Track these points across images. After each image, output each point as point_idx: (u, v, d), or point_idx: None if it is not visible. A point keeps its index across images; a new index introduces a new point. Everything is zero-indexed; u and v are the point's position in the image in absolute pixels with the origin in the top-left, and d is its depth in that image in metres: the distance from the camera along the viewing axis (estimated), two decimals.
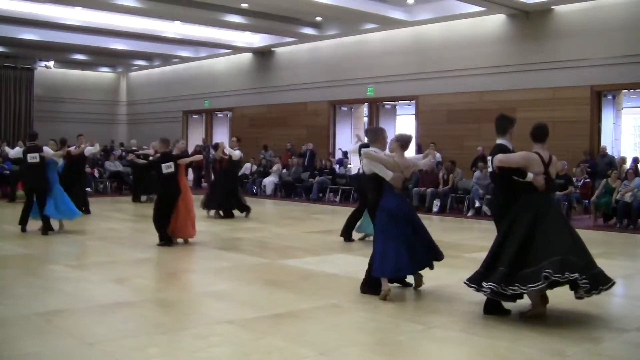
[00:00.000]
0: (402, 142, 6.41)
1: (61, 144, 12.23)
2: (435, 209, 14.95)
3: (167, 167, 9.21)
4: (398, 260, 6.11)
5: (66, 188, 11.25)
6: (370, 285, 6.29)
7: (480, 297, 6.38)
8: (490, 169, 6.02)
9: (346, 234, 10.13)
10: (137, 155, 14.24)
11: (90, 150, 12.95)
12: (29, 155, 10.24)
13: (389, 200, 6.23)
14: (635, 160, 14.86)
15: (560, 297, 6.64)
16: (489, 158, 6.00)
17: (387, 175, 6.18)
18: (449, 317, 5.63)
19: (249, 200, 14.39)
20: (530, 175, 5.60)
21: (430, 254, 6.43)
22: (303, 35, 19.94)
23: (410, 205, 6.32)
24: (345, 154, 19.27)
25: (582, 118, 14.79)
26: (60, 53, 25.03)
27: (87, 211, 12.95)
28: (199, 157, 11.26)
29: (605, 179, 13.04)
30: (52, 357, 4.48)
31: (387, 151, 6.64)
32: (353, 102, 20.51)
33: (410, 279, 6.69)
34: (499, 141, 6.01)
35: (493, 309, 5.66)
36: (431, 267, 6.50)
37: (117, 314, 5.60)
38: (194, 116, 26.58)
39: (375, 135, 6.72)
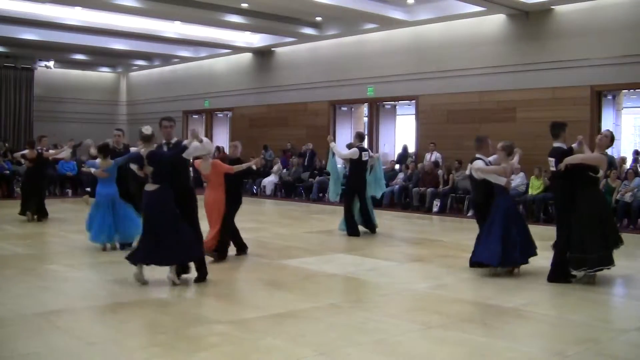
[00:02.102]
0: (508, 150, 7.54)
1: (29, 146, 11.69)
2: (435, 209, 14.95)
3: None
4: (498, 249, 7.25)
5: (28, 192, 11.28)
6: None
7: (480, 298, 6.39)
8: (553, 168, 7.17)
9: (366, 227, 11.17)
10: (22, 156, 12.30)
11: (63, 154, 12.70)
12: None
13: (503, 200, 7.43)
14: (635, 153, 14.87)
15: (560, 297, 6.65)
16: (551, 159, 7.19)
17: (502, 181, 7.41)
18: (449, 317, 5.63)
19: (249, 201, 14.37)
20: (600, 172, 7.09)
21: (524, 253, 7.38)
22: (303, 35, 19.93)
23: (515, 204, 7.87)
24: None
25: (582, 118, 14.77)
26: (60, 53, 25.02)
27: (41, 218, 11.99)
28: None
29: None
30: (52, 357, 4.48)
31: (491, 158, 7.85)
32: (353, 102, 20.50)
33: None
34: (556, 144, 7.19)
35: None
36: (521, 264, 7.46)
37: (117, 314, 5.60)
38: (194, 116, 26.57)
39: (480, 143, 7.84)
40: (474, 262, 7.73)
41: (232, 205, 8.40)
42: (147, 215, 6.67)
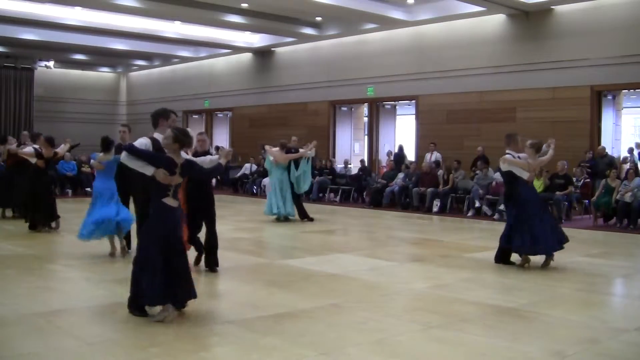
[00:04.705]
0: (535, 147, 8.13)
1: (48, 143, 10.70)
2: (435, 209, 14.94)
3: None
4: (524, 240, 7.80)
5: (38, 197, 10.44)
6: (501, 258, 8.13)
7: (480, 298, 6.39)
8: None
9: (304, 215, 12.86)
10: None
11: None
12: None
13: (524, 191, 7.97)
14: (630, 150, 14.97)
15: (560, 296, 6.65)
16: None
17: (524, 175, 7.94)
18: (449, 317, 5.63)
19: (249, 201, 14.36)
20: None
21: (555, 237, 7.89)
22: (303, 35, 19.94)
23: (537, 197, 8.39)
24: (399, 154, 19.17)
25: (582, 118, 14.79)
26: (60, 53, 25.04)
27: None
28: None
29: (605, 179, 13.05)
30: (52, 357, 4.48)
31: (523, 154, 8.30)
32: (353, 102, 20.51)
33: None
34: None
35: None
36: (555, 250, 7.92)
37: (117, 314, 5.60)
38: (194, 116, 26.58)
39: (509, 139, 8.29)
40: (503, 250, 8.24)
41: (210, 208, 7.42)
42: (173, 239, 5.37)
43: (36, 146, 10.91)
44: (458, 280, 7.27)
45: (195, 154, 6.88)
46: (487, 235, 11.47)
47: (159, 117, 6.02)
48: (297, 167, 12.86)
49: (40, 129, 24.87)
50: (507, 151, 8.16)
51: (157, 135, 5.86)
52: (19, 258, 8.41)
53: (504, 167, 8.07)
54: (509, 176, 8.08)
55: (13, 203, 12.29)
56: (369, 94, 19.42)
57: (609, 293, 7.06)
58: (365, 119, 20.99)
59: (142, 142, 5.78)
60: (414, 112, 18.71)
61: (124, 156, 5.45)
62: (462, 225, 13.22)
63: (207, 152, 7.50)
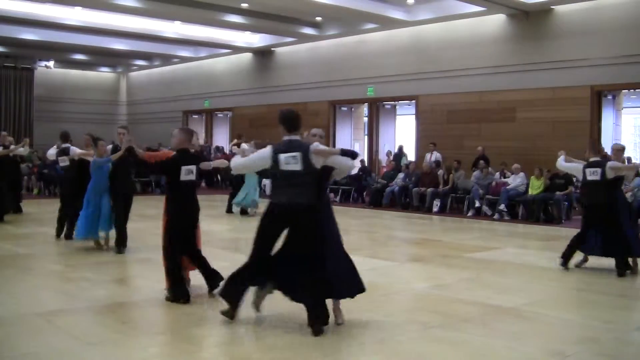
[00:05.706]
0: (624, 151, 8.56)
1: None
2: (435, 209, 14.94)
3: (188, 173, 6.10)
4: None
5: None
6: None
7: (480, 298, 6.38)
8: None
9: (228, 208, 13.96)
10: None
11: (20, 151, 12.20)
12: None
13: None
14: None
15: (560, 297, 6.65)
16: None
17: (630, 178, 8.45)
18: (449, 317, 5.63)
19: None
20: None
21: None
22: (303, 35, 19.94)
23: None
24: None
25: (582, 118, 14.79)
26: (60, 53, 25.05)
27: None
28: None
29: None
30: (52, 357, 4.48)
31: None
32: (353, 102, 20.51)
33: None
34: None
35: None
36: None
37: (117, 314, 5.60)
38: (194, 116, 26.58)
39: (597, 148, 8.27)
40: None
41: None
42: None
43: (66, 145, 10.64)
44: (458, 280, 7.27)
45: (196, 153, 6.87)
46: (487, 235, 11.48)
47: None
48: None
49: (40, 129, 24.99)
50: (597, 159, 7.93)
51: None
52: (19, 258, 8.41)
53: (616, 173, 7.78)
54: (617, 180, 7.87)
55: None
56: (369, 94, 19.42)
57: (609, 293, 7.05)
58: (365, 119, 20.98)
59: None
60: (414, 112, 18.70)
61: (353, 162, 5.68)
62: (462, 225, 13.21)
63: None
